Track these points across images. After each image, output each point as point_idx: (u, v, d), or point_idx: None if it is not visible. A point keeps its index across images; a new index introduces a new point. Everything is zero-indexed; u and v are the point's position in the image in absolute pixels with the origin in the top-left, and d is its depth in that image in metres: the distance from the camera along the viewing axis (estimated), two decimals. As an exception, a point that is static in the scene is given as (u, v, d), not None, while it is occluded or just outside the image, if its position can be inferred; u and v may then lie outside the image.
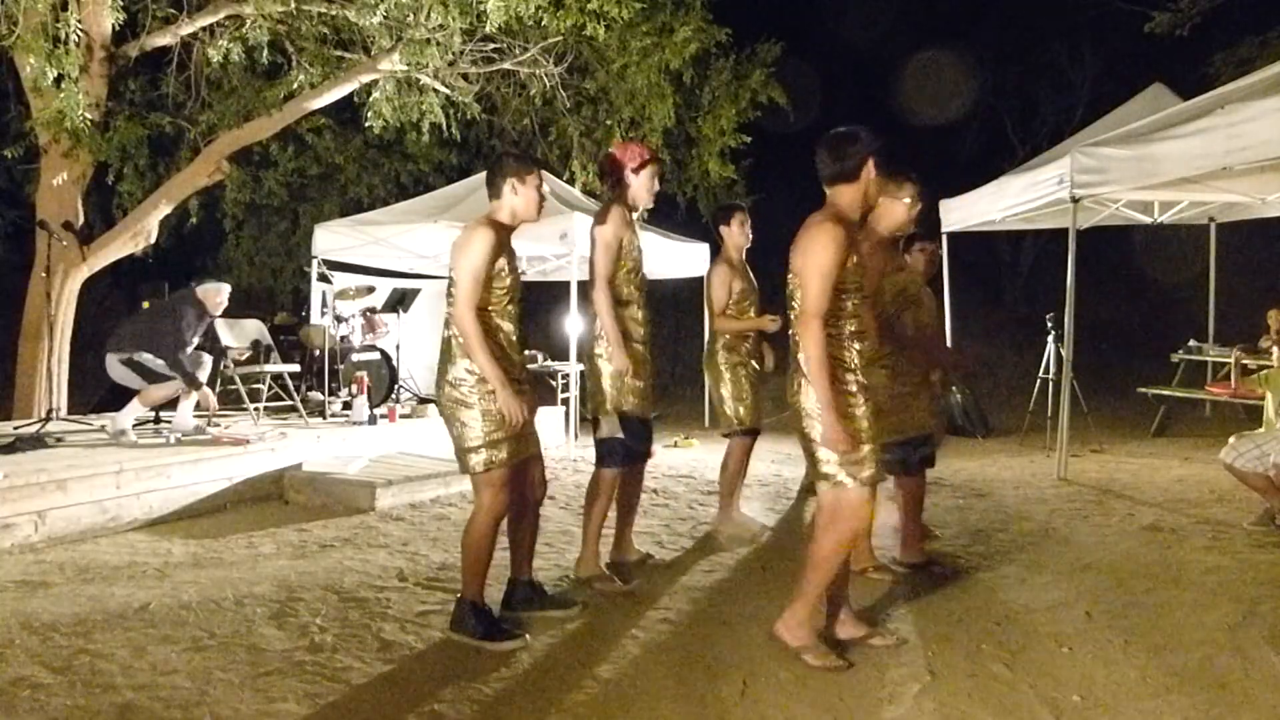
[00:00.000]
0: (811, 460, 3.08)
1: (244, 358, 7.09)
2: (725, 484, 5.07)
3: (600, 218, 3.95)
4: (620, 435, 3.93)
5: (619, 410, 3.92)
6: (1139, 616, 3.63)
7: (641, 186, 3.98)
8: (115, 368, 6.08)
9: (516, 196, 3.38)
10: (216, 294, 6.32)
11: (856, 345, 3.04)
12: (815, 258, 2.93)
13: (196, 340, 6.26)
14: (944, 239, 8.83)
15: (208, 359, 6.34)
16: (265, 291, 13.48)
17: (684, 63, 8.76)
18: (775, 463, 6.86)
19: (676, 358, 13.97)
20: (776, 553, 4.63)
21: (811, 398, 2.97)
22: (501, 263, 3.26)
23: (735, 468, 5.02)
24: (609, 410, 3.92)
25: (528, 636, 3.32)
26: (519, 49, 8.32)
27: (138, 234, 8.28)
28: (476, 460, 3.26)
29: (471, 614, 3.31)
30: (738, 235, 4.95)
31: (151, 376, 6.01)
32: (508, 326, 3.33)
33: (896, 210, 3.87)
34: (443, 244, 8.15)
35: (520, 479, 3.46)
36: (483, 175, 10.03)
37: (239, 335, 7.32)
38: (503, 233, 3.32)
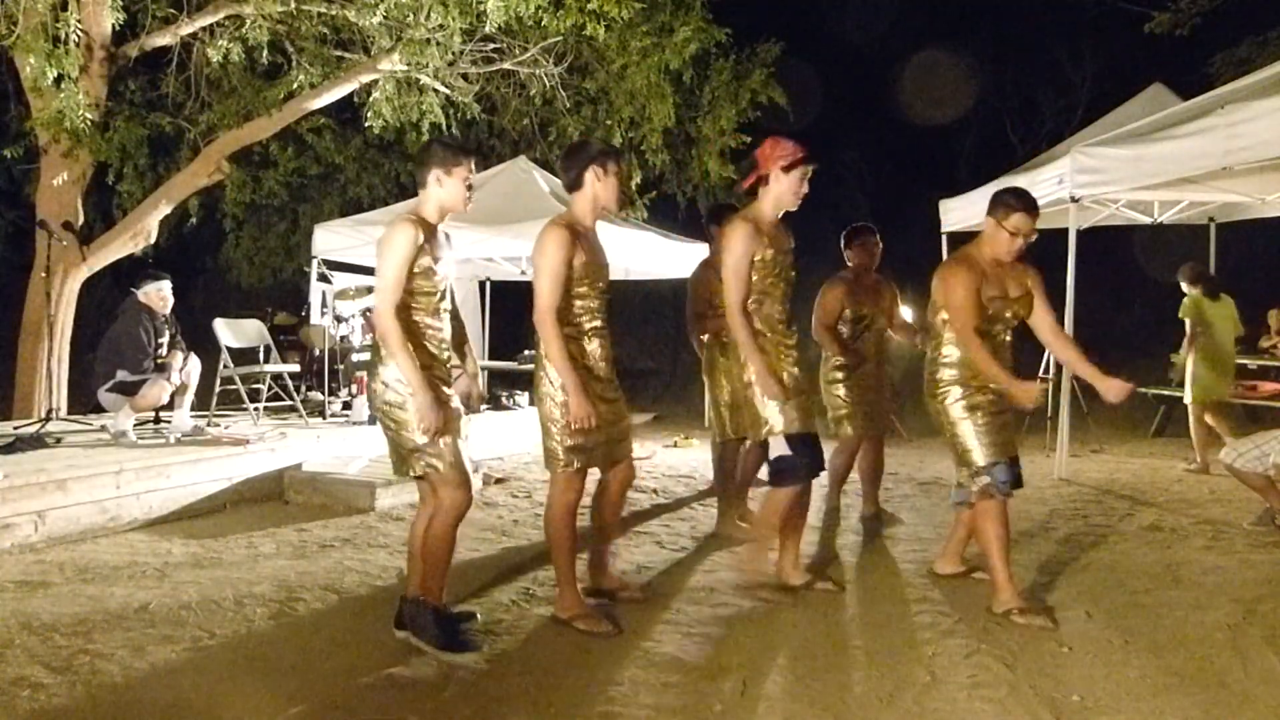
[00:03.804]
0: (545, 439, 3.43)
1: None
2: (731, 489, 5.06)
3: (724, 236, 3.64)
4: (790, 453, 3.64)
5: (789, 430, 3.62)
6: (1139, 616, 3.63)
7: (788, 190, 3.62)
8: (105, 398, 6.08)
9: (441, 189, 3.19)
10: (158, 292, 6.26)
11: (596, 341, 3.43)
12: (543, 260, 3.29)
13: (164, 340, 6.22)
14: (944, 239, 8.84)
15: (181, 357, 6.23)
16: (265, 291, 13.48)
17: (684, 63, 8.76)
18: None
19: (676, 358, 13.98)
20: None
21: (548, 387, 3.36)
22: (427, 260, 3.12)
23: (740, 474, 5.00)
24: (777, 432, 3.63)
25: (484, 648, 3.20)
26: (519, 49, 8.32)
27: (138, 234, 8.28)
28: (419, 463, 3.14)
29: (433, 620, 3.17)
30: None
31: (135, 387, 6.00)
32: (436, 324, 3.20)
33: (998, 237, 3.63)
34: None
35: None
36: (483, 175, 9.99)
37: (239, 335, 7.32)
38: (427, 228, 3.16)
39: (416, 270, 3.11)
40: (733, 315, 3.60)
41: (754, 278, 3.62)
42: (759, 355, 3.58)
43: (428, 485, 3.24)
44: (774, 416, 3.61)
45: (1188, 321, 6.89)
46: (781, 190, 3.62)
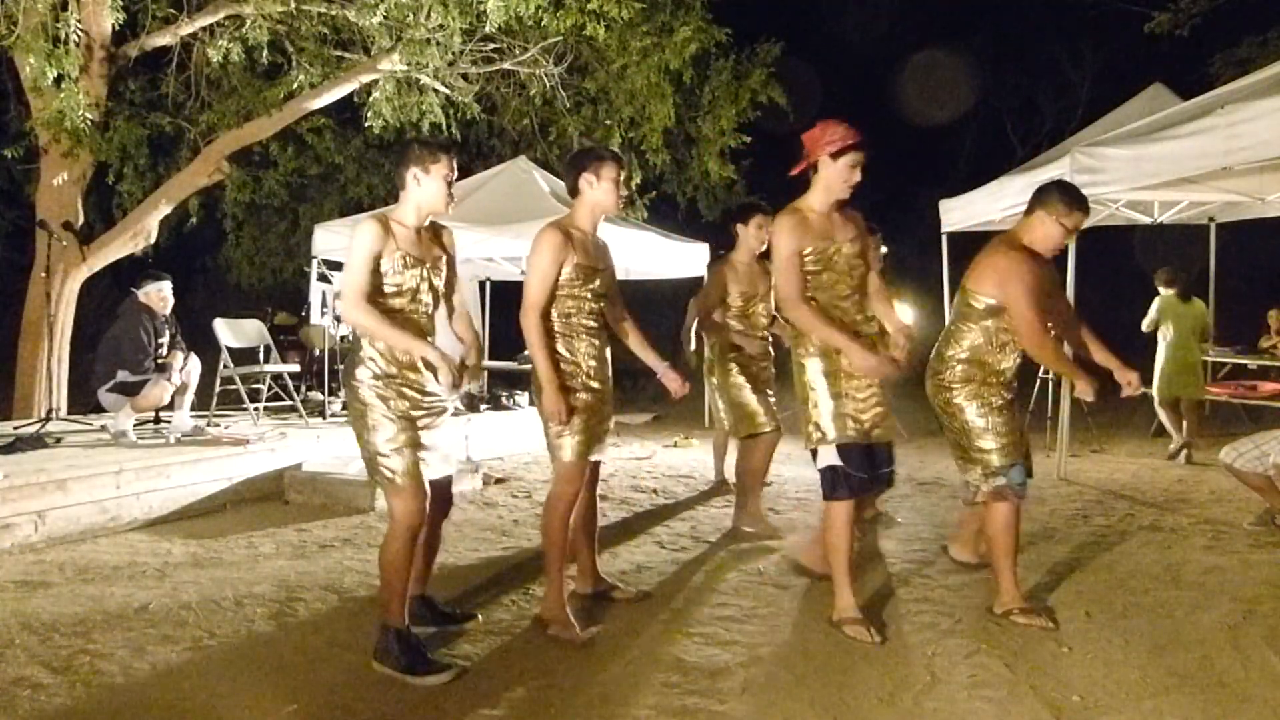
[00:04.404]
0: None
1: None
2: (740, 485, 5.06)
3: (774, 228, 3.47)
4: (840, 463, 3.41)
5: (840, 440, 3.41)
6: (1139, 616, 3.63)
7: (837, 177, 3.40)
8: (105, 398, 6.08)
9: (420, 188, 3.09)
10: (158, 293, 6.26)
11: (586, 339, 3.42)
12: (533, 260, 3.35)
13: (164, 340, 6.23)
14: (944, 239, 8.85)
15: (181, 357, 6.23)
16: (265, 291, 13.49)
17: (684, 63, 8.76)
18: (775, 462, 6.83)
19: (676, 358, 13.96)
20: (778, 554, 4.62)
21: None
22: (395, 260, 3.02)
23: (750, 469, 5.00)
24: (830, 440, 3.42)
25: (457, 666, 3.08)
26: (519, 49, 8.33)
27: (138, 234, 8.28)
28: (386, 468, 3.02)
29: (396, 643, 3.03)
30: (753, 239, 4.86)
31: (136, 388, 6.01)
32: (424, 326, 3.14)
33: (1052, 232, 3.50)
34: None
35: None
36: (483, 175, 9.93)
37: (239, 335, 7.32)
38: (400, 229, 3.06)
39: (384, 269, 3.02)
40: (791, 309, 3.41)
41: (807, 274, 3.43)
42: (833, 332, 3.36)
43: (388, 491, 3.11)
44: (827, 423, 3.42)
45: (1149, 318, 7.57)
46: (830, 178, 3.40)
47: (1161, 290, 7.53)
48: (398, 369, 3.07)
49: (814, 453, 3.51)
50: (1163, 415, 7.47)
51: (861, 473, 3.42)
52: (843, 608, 3.50)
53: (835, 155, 3.38)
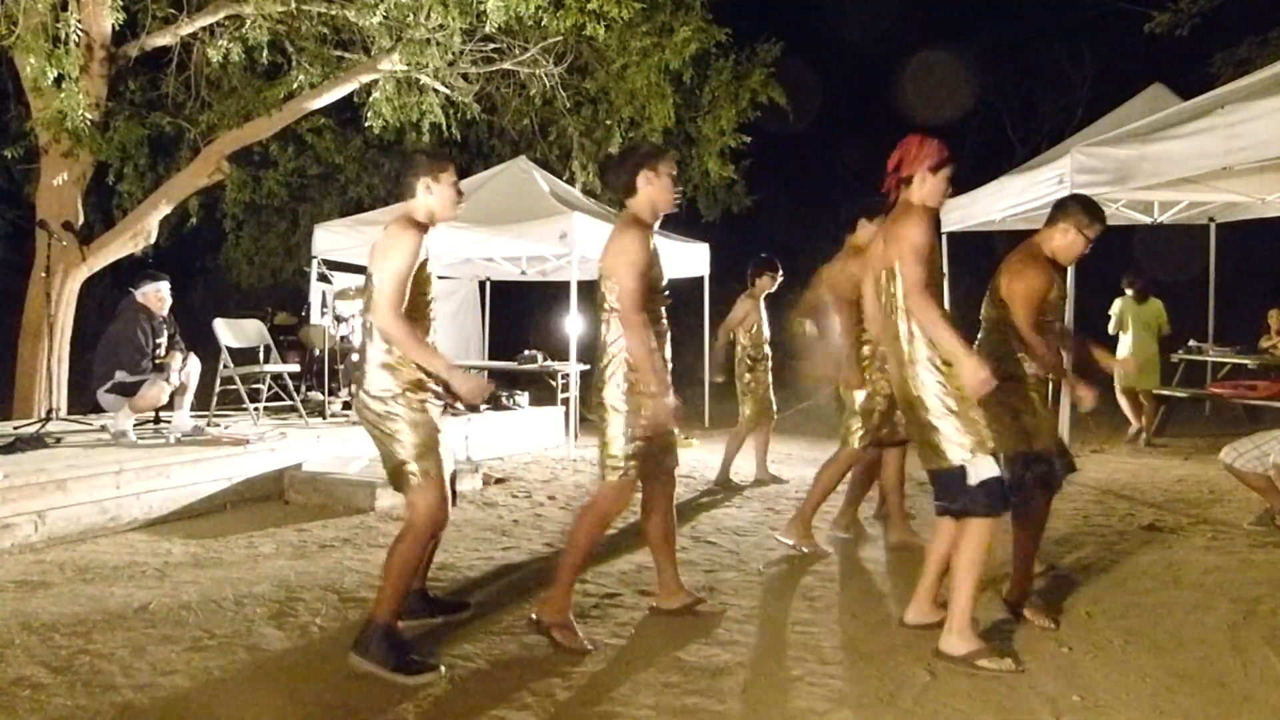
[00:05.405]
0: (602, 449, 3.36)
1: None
2: (812, 501, 4.74)
3: (899, 222, 3.27)
4: (999, 474, 3.14)
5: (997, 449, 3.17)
6: (1139, 616, 3.63)
7: (933, 191, 3.30)
8: (104, 399, 6.09)
9: (431, 195, 3.19)
10: (156, 293, 6.26)
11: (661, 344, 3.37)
12: (630, 258, 3.25)
13: (162, 340, 6.24)
14: (943, 239, 8.84)
15: (180, 357, 6.24)
16: (265, 291, 13.49)
17: (684, 63, 8.76)
18: (775, 463, 6.84)
19: (677, 358, 13.97)
20: (778, 554, 4.62)
21: (614, 392, 3.31)
22: (422, 267, 3.11)
23: (832, 482, 4.69)
24: (986, 450, 3.15)
25: (443, 669, 3.06)
26: (519, 49, 8.33)
27: (138, 234, 8.29)
28: (415, 470, 3.08)
29: (385, 640, 3.02)
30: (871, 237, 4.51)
31: (134, 388, 6.01)
32: (429, 333, 3.20)
33: (1075, 243, 3.56)
34: (442, 244, 8.15)
35: None
36: (483, 175, 9.94)
37: (239, 335, 7.33)
38: (422, 234, 3.15)
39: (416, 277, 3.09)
40: (921, 300, 3.14)
41: None
42: (956, 339, 3.11)
43: (419, 493, 3.14)
44: (986, 430, 3.17)
45: (1113, 319, 8.39)
46: (927, 192, 3.30)
47: (1128, 292, 8.31)
48: (424, 375, 3.10)
49: (952, 471, 3.20)
50: (1123, 403, 8.23)
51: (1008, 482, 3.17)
52: (967, 635, 3.20)
53: (934, 169, 3.31)
